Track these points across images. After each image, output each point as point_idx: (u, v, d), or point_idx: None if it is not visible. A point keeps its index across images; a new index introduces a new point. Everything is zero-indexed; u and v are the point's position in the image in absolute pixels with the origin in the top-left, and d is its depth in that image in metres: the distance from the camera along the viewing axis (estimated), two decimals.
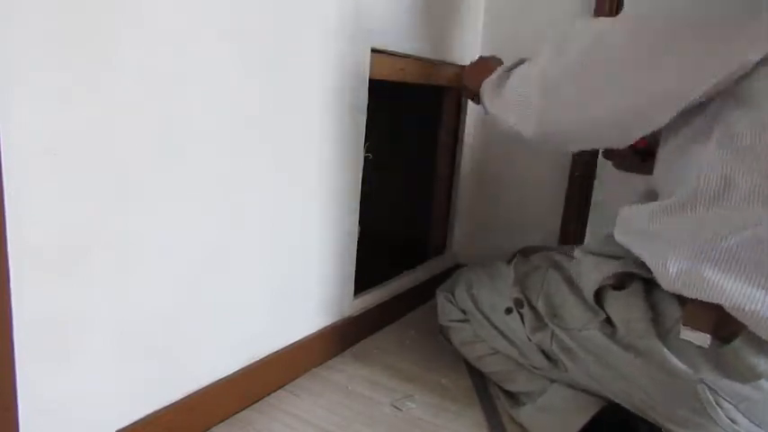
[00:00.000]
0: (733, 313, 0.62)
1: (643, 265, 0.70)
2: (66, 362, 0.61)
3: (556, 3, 1.21)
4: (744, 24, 0.57)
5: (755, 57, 0.58)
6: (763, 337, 0.61)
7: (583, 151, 1.19)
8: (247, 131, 0.77)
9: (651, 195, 0.75)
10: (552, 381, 0.85)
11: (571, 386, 0.82)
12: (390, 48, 1.01)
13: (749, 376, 0.62)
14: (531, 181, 1.33)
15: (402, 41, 1.05)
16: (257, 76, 0.76)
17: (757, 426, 0.64)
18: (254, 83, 0.76)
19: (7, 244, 0.53)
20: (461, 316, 0.99)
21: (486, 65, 0.98)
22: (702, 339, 0.64)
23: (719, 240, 0.62)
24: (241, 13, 0.71)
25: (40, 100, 0.54)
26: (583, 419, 0.79)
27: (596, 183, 1.24)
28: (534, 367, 0.86)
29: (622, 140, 0.74)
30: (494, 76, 0.88)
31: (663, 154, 0.74)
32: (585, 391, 0.81)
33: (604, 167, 1.20)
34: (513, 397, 0.91)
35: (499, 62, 0.99)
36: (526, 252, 1.01)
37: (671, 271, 0.64)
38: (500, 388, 0.94)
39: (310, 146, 0.88)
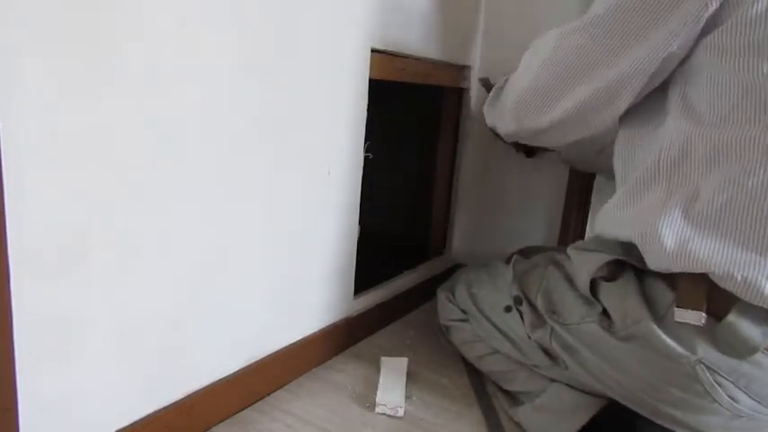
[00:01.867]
0: (724, 284, 0.63)
1: (631, 251, 0.71)
2: (66, 362, 0.61)
3: (556, 2, 1.21)
4: (675, 7, 0.65)
5: (687, 37, 0.65)
6: (758, 305, 0.61)
7: (582, 151, 1.19)
8: (247, 131, 0.77)
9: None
10: (552, 380, 0.85)
11: (571, 386, 0.82)
12: (390, 48, 1.01)
13: (746, 351, 0.62)
14: (532, 181, 1.33)
15: (402, 41, 1.05)
16: (257, 76, 0.76)
17: (758, 402, 0.64)
18: (254, 83, 0.76)
19: (7, 244, 0.53)
20: (461, 315, 0.99)
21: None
22: (697, 318, 0.64)
23: (695, 204, 0.65)
24: (241, 13, 0.71)
25: (40, 100, 0.54)
26: (582, 420, 0.79)
27: (596, 183, 1.24)
28: (534, 366, 0.86)
29: (588, 129, 0.82)
30: (489, 96, 1.02)
31: (619, 147, 0.80)
32: (585, 390, 0.81)
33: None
34: (512, 396, 0.91)
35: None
36: (526, 253, 1.01)
37: (665, 243, 0.66)
38: (499, 387, 0.94)
39: (311, 146, 0.88)
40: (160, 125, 0.65)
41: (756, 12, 0.61)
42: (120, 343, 0.67)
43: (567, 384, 0.83)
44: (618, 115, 0.76)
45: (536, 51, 0.85)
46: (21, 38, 0.51)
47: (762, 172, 0.61)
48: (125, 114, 0.61)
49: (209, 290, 0.77)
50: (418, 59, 1.11)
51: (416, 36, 1.09)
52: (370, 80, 0.97)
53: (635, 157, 0.76)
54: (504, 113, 0.93)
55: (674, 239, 0.65)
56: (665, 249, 0.66)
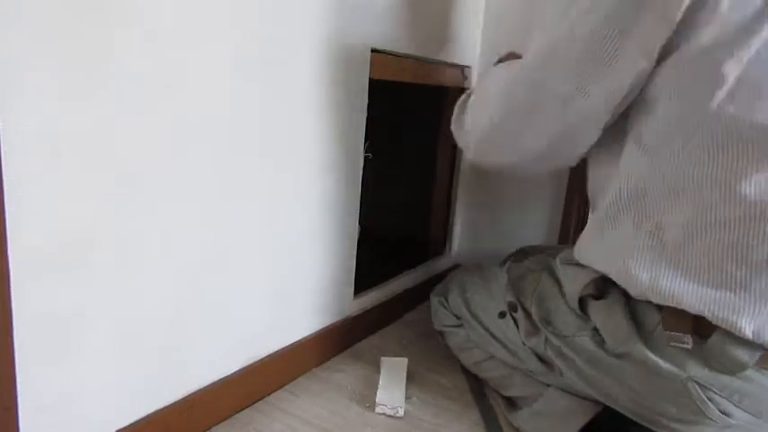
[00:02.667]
0: (700, 315, 0.63)
1: None
2: (66, 361, 0.61)
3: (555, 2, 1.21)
4: (629, 37, 0.62)
5: (645, 65, 0.63)
6: (738, 335, 0.61)
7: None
8: (247, 132, 0.77)
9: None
10: (548, 385, 0.85)
11: (567, 391, 0.82)
12: (390, 48, 1.02)
13: (735, 368, 0.63)
14: (531, 181, 1.33)
15: (402, 41, 1.05)
16: (257, 77, 0.76)
17: (752, 416, 0.64)
18: (254, 84, 0.76)
19: (7, 243, 0.53)
20: (455, 321, 0.98)
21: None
22: (684, 341, 0.65)
23: (660, 240, 0.65)
24: (241, 14, 0.71)
25: (40, 100, 0.54)
26: (578, 424, 0.78)
27: None
28: (530, 371, 0.86)
29: (558, 164, 0.82)
30: (453, 115, 0.97)
31: (591, 169, 0.80)
32: (581, 395, 0.80)
33: None
34: (510, 402, 0.91)
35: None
36: (524, 252, 1.01)
37: (641, 280, 0.66)
38: (498, 393, 0.94)
39: (311, 146, 0.88)
40: (160, 125, 0.65)
41: (700, 45, 0.60)
42: (120, 342, 0.67)
43: (562, 389, 0.83)
44: (584, 151, 0.76)
45: (487, 88, 0.83)
46: (21, 38, 0.51)
47: (719, 210, 0.61)
48: (125, 114, 0.61)
49: (209, 290, 0.77)
50: (418, 59, 1.11)
51: (417, 36, 1.09)
52: (370, 80, 0.97)
53: (599, 179, 0.77)
54: (462, 143, 0.92)
55: (647, 276, 0.66)
56: (642, 285, 0.66)
